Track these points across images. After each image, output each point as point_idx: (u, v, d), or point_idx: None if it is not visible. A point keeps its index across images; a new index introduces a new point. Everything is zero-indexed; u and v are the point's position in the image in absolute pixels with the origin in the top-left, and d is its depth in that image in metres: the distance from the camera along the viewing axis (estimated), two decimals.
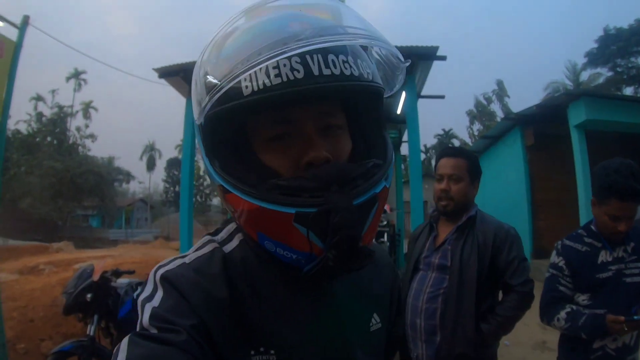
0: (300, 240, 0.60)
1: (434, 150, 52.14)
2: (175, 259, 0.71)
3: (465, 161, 2.14)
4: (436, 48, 6.57)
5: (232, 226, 0.78)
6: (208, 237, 0.77)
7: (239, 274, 0.69)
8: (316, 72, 0.57)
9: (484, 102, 45.84)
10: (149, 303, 0.62)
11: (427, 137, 53.20)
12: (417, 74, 7.24)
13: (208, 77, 0.61)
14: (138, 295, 0.71)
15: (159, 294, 0.64)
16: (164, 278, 0.65)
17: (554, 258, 2.04)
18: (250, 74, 0.57)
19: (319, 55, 0.58)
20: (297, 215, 0.58)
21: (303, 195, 0.59)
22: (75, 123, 45.00)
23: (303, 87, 0.57)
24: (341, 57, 0.60)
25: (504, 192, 11.68)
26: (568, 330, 1.90)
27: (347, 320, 0.75)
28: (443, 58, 6.73)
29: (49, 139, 37.60)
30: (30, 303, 5.46)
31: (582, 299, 1.93)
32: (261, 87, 0.56)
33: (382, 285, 0.88)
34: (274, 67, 0.56)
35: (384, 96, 0.71)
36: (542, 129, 9.83)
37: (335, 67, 0.58)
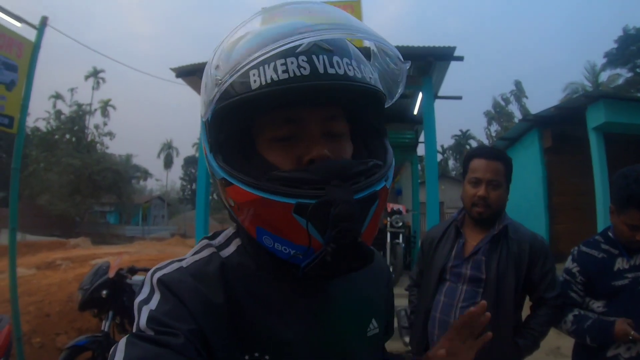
0: (299, 232, 0.60)
1: (450, 151, 51.81)
2: (172, 262, 0.71)
3: (504, 166, 1.98)
4: (453, 48, 6.54)
5: (229, 231, 0.80)
6: (206, 242, 0.78)
7: (237, 279, 0.70)
8: (321, 70, 0.59)
9: (502, 102, 45.36)
10: (146, 306, 0.63)
11: (444, 138, 52.86)
12: (434, 74, 7.20)
13: (217, 75, 0.62)
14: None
15: (156, 297, 0.65)
16: (161, 282, 0.66)
17: (568, 264, 2.03)
18: (259, 69, 0.59)
19: (325, 56, 0.60)
20: (297, 206, 0.59)
21: (304, 187, 0.60)
22: (93, 121, 45.69)
23: (309, 83, 0.59)
24: (345, 59, 0.62)
25: (521, 194, 11.48)
26: (574, 333, 1.90)
27: (346, 324, 0.76)
28: (460, 58, 6.69)
29: (67, 136, 38.09)
30: (46, 298, 5.54)
31: (597, 305, 1.90)
32: (269, 81, 0.58)
33: (378, 290, 0.88)
34: (282, 64, 0.58)
35: (385, 105, 0.73)
36: (561, 131, 9.66)
37: (339, 68, 0.61)
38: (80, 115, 40.83)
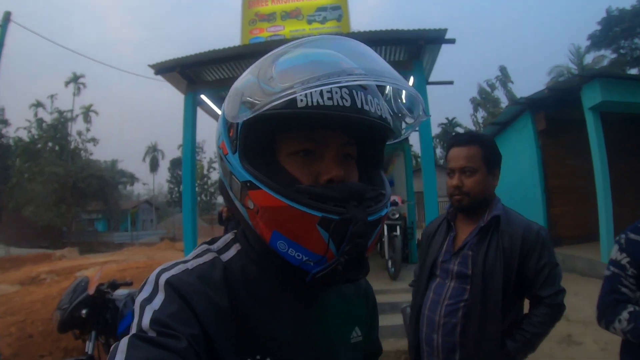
0: (318, 242, 0.65)
1: (437, 140, 51.98)
2: (177, 263, 0.73)
3: (478, 148, 1.84)
4: (444, 31, 6.39)
5: (228, 237, 0.83)
6: (205, 246, 0.80)
7: (238, 283, 0.73)
8: (359, 105, 0.66)
9: (488, 88, 45.39)
10: (149, 305, 0.64)
11: (431, 126, 53.18)
12: (425, 58, 7.03)
13: (270, 86, 0.64)
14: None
15: (160, 297, 0.65)
16: (168, 283, 0.67)
17: (615, 254, 1.75)
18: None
19: (362, 93, 0.67)
20: (322, 219, 0.63)
21: (328, 203, 0.65)
22: (76, 128, 45.19)
23: (347, 114, 0.65)
24: (375, 99, 0.70)
25: (516, 179, 11.43)
26: (631, 333, 1.63)
27: (334, 330, 0.81)
28: (452, 41, 6.54)
29: (50, 144, 37.70)
30: (29, 317, 5.34)
31: None
32: (314, 103, 0.64)
33: (361, 301, 0.94)
34: (327, 91, 0.64)
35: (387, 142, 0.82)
36: (554, 113, 9.53)
37: (371, 105, 0.68)
38: (62, 122, 40.35)
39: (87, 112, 44.99)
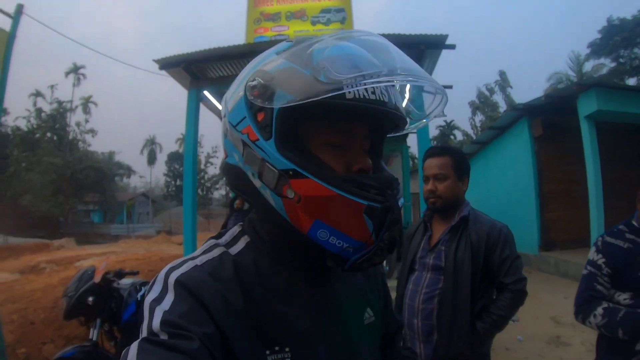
0: (361, 229, 0.66)
1: (435, 141, 52.02)
2: (186, 260, 0.72)
3: (449, 159, 2.15)
4: (445, 36, 6.48)
5: (234, 230, 0.82)
6: (213, 241, 0.79)
7: (250, 276, 0.72)
8: (393, 101, 0.70)
9: (487, 93, 45.45)
10: (159, 306, 0.62)
11: (429, 129, 53.09)
12: (425, 63, 7.11)
13: (310, 72, 0.65)
14: (142, 296, 0.69)
15: (169, 297, 0.64)
16: (178, 282, 0.65)
17: (592, 255, 1.97)
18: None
19: (393, 89, 0.72)
20: (368, 207, 0.65)
21: (371, 192, 0.67)
22: (75, 118, 45.00)
23: (383, 108, 0.68)
24: (398, 96, 0.74)
25: (511, 184, 11.55)
26: (605, 327, 1.81)
27: (346, 314, 0.82)
28: (452, 47, 6.63)
29: (48, 134, 37.60)
30: (30, 305, 5.32)
31: (624, 298, 1.82)
32: (361, 97, 0.65)
33: (370, 282, 0.95)
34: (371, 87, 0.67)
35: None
36: (551, 120, 9.68)
37: (399, 101, 0.73)
38: (61, 113, 40.21)
39: (87, 103, 44.91)
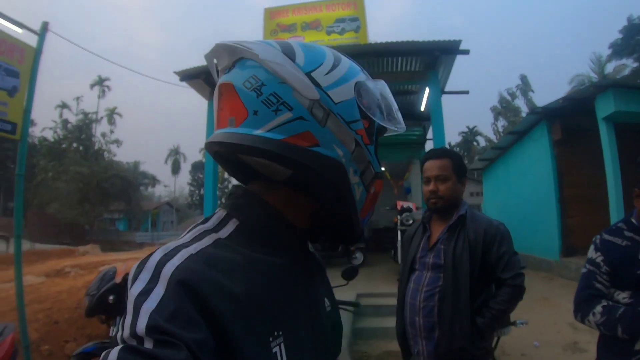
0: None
1: (458, 148, 51.56)
2: (179, 248, 0.64)
3: (450, 161, 2.23)
4: (459, 42, 6.50)
5: (220, 214, 0.76)
6: (201, 227, 0.73)
7: (246, 259, 0.68)
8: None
9: (508, 97, 44.98)
10: (146, 304, 0.55)
11: (451, 135, 52.57)
12: (441, 69, 7.15)
13: (387, 112, 0.80)
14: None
15: (158, 290, 0.56)
16: (175, 276, 0.58)
17: (591, 253, 1.93)
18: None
19: None
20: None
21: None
22: (100, 129, 45.97)
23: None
24: None
25: (531, 189, 11.38)
26: (604, 325, 1.77)
27: (320, 299, 0.83)
28: (466, 52, 6.64)
29: (75, 145, 38.43)
30: (55, 305, 5.51)
31: (623, 296, 1.80)
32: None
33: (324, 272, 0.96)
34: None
35: None
36: (570, 123, 9.50)
37: None
38: (86, 123, 41.16)
39: (112, 114, 45.93)
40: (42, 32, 4.16)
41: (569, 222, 9.85)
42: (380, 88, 0.81)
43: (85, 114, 41.93)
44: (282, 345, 0.66)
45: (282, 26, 8.62)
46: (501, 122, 45.47)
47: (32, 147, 36.55)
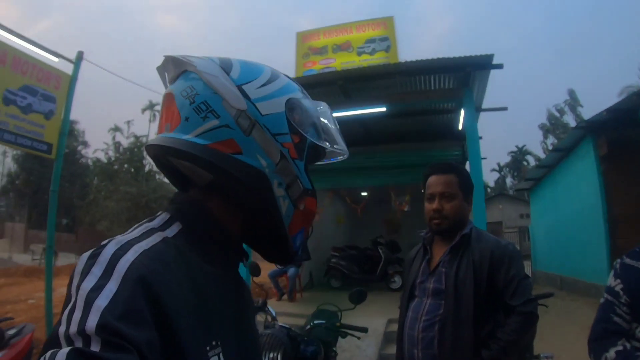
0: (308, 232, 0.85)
1: (507, 169, 50.07)
2: (131, 242, 0.63)
3: (456, 177, 2.04)
4: (491, 56, 6.34)
5: (164, 215, 0.76)
6: (148, 225, 0.73)
7: (191, 263, 0.68)
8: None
9: (557, 114, 43.52)
10: (98, 300, 0.53)
11: (501, 155, 51.22)
12: (475, 85, 6.98)
13: (323, 133, 0.83)
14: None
15: (111, 286, 0.55)
16: (129, 270, 0.57)
17: (610, 280, 1.57)
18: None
19: None
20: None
21: None
22: None
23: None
24: None
25: (578, 208, 10.84)
26: None
27: (249, 308, 0.87)
28: (500, 66, 6.47)
29: (126, 166, 40.09)
30: None
31: None
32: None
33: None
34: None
35: None
36: (616, 136, 8.94)
37: None
38: (138, 146, 42.92)
39: None
40: (77, 61, 4.50)
41: (618, 243, 9.12)
42: (321, 110, 0.84)
43: (137, 137, 43.75)
44: (221, 355, 0.67)
45: (314, 49, 8.82)
46: (550, 140, 43.93)
47: (85, 168, 38.62)
